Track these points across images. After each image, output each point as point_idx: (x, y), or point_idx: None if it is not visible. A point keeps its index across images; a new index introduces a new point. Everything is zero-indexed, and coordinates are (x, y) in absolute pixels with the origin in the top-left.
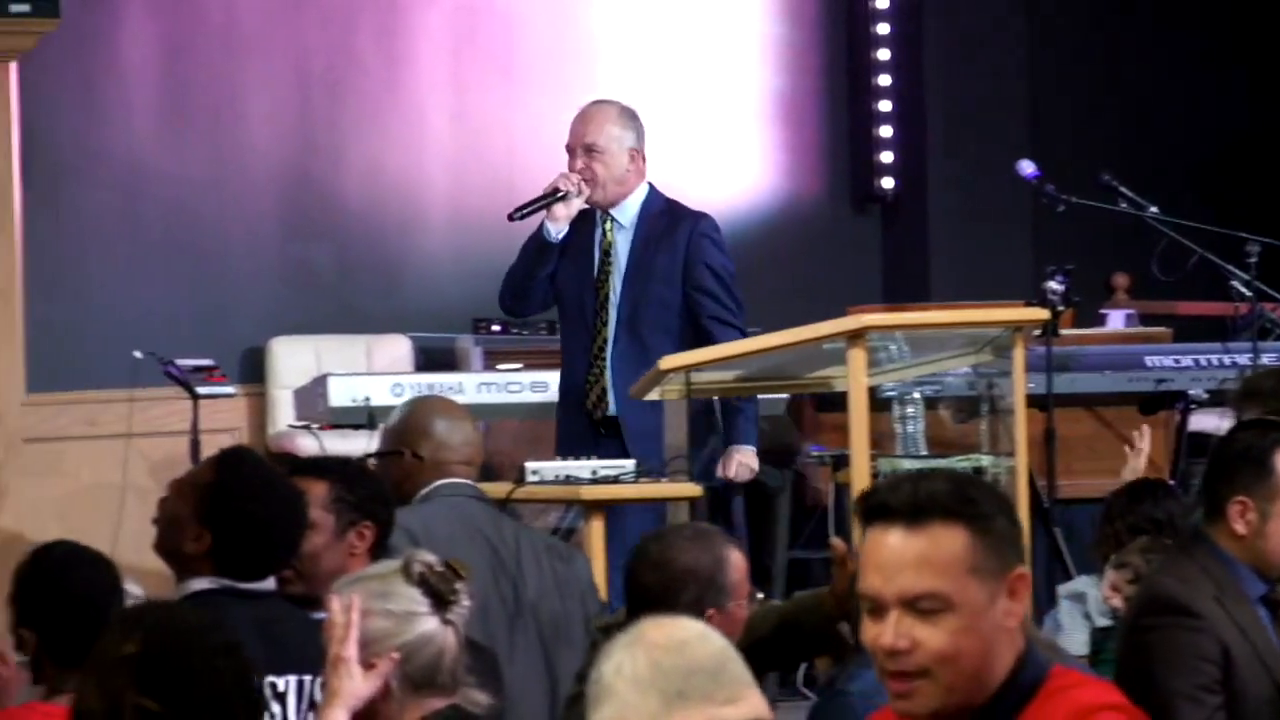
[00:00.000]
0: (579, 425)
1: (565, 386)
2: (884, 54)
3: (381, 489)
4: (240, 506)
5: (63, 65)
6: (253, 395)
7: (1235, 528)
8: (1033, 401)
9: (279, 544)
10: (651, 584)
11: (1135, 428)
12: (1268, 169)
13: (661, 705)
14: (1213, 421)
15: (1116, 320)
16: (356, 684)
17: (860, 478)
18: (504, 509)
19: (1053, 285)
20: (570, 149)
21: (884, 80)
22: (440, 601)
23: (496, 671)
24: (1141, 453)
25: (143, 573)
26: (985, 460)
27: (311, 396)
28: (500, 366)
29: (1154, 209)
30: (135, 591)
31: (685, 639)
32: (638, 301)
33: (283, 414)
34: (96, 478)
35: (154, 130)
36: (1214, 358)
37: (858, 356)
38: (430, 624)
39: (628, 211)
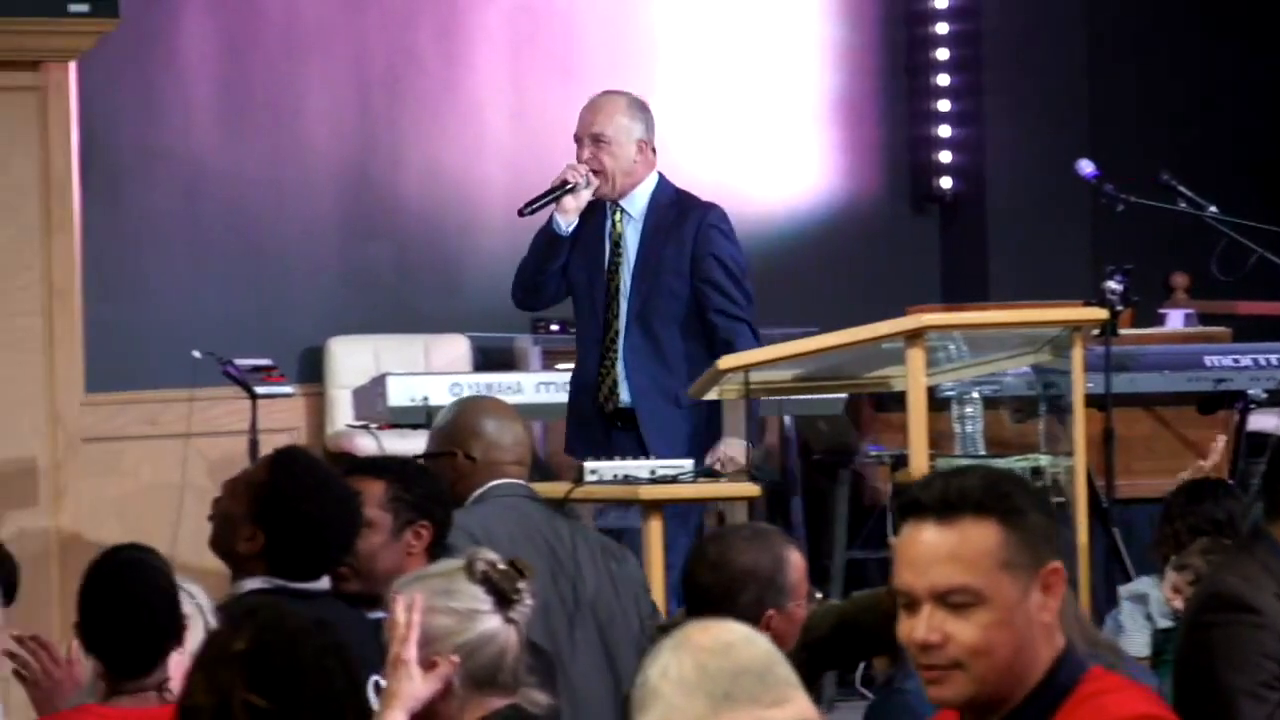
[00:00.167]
0: (590, 417)
1: (577, 378)
2: (943, 54)
3: (439, 489)
4: (293, 506)
5: (122, 65)
6: (311, 395)
7: None
8: (1091, 401)
9: (332, 544)
10: (711, 585)
11: (1196, 429)
12: None
13: (708, 707)
14: (1272, 421)
15: (1175, 320)
16: (416, 685)
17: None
18: (560, 509)
19: (1112, 285)
20: (578, 139)
21: (943, 80)
22: (503, 600)
23: (553, 672)
24: (1207, 466)
25: (202, 572)
26: (1044, 460)
27: (370, 396)
28: (559, 366)
29: (1213, 208)
30: (194, 591)
31: (731, 641)
32: (648, 293)
33: (341, 414)
34: (156, 477)
35: (213, 130)
36: (1273, 357)
37: (916, 356)
38: (493, 622)
39: (637, 203)
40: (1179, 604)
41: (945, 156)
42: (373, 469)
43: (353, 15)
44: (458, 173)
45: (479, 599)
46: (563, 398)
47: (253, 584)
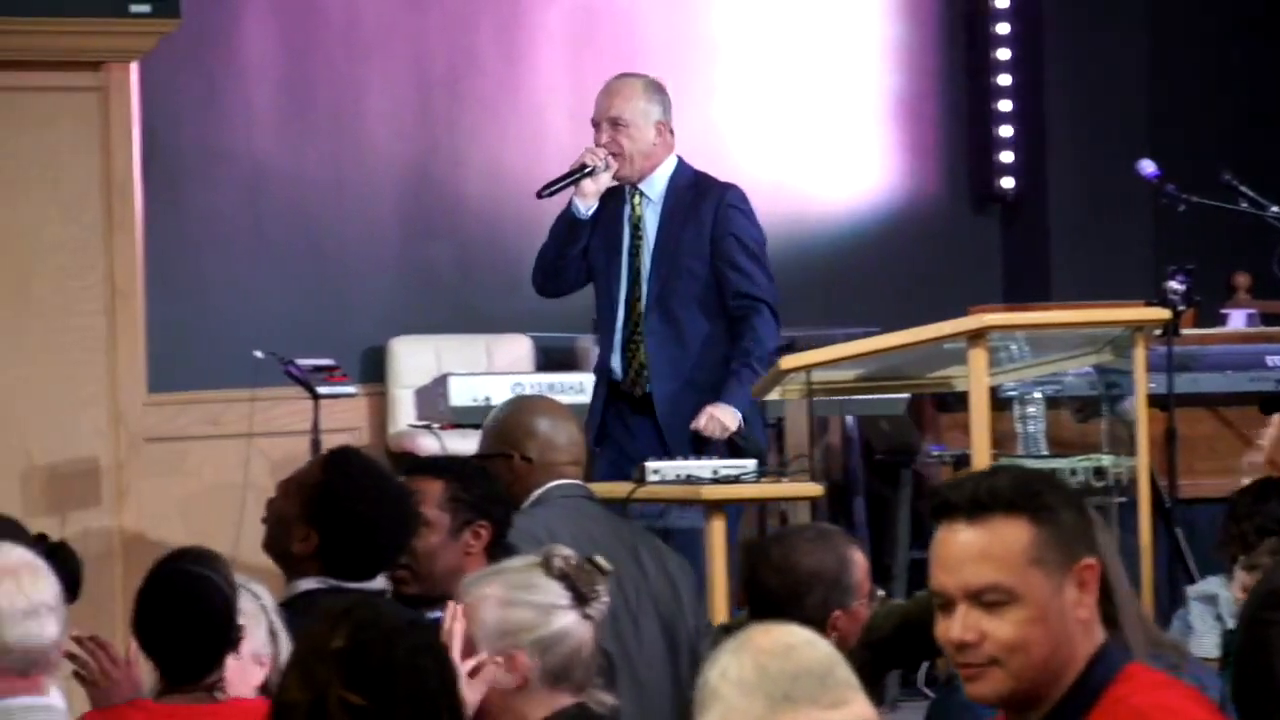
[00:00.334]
0: (611, 401)
1: (600, 363)
2: (1004, 53)
3: (499, 489)
4: (347, 507)
5: (183, 66)
6: (373, 395)
7: None
8: (1154, 401)
9: (386, 544)
10: (776, 587)
11: (1258, 428)
12: None
13: (767, 708)
14: None
15: (1237, 320)
16: (464, 691)
17: None
18: (620, 510)
19: (1173, 285)
20: (595, 123)
21: (1004, 80)
22: (580, 597)
23: (614, 673)
24: (1261, 459)
25: (265, 572)
26: (1106, 460)
27: (432, 396)
28: None
29: (1275, 208)
30: (259, 591)
31: (792, 643)
32: (668, 276)
33: (403, 414)
34: (218, 477)
35: (275, 130)
36: None
37: (979, 356)
38: (570, 618)
39: (656, 185)
40: None
41: (1006, 156)
42: (432, 469)
43: (413, 15)
44: (518, 172)
45: (557, 594)
46: None
47: (307, 584)
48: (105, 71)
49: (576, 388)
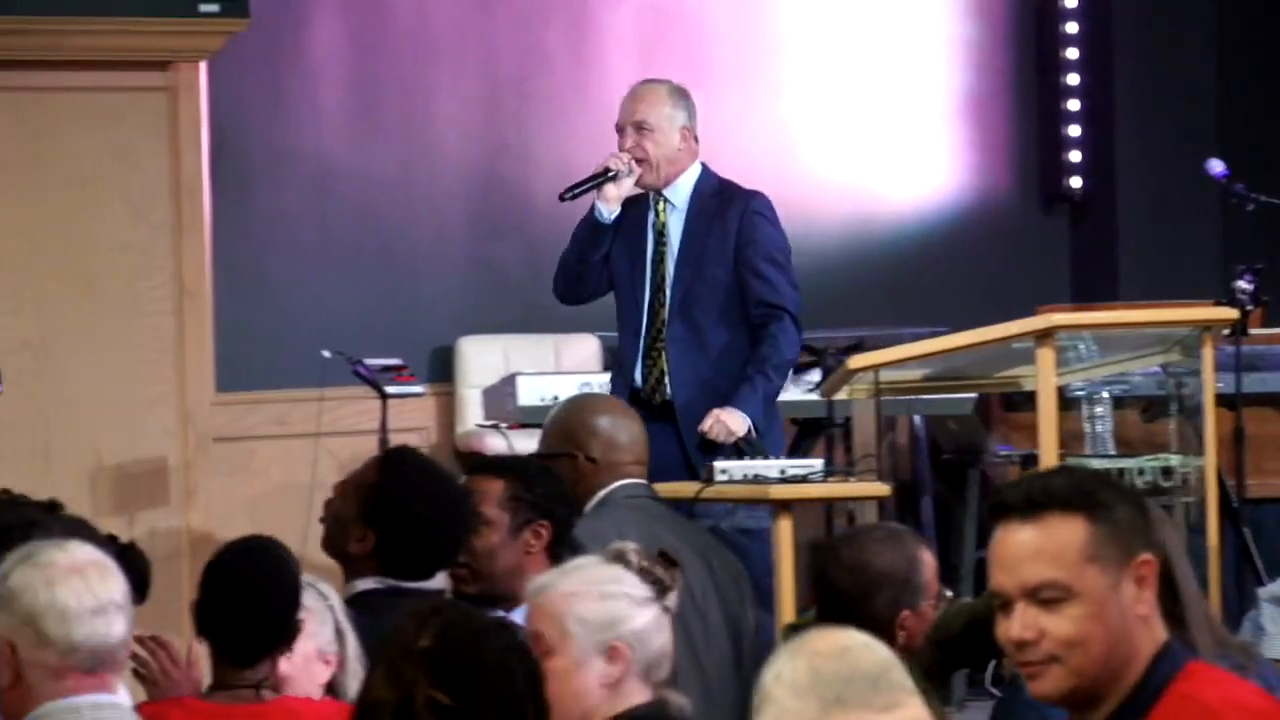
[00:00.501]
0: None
1: (618, 370)
2: (1073, 53)
3: (562, 488)
4: (403, 506)
5: (252, 65)
6: (441, 395)
7: None
8: (1221, 401)
9: (443, 543)
10: (847, 587)
11: None
12: None
13: (820, 711)
14: None
15: None
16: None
17: None
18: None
19: (1242, 284)
20: (620, 128)
21: (1073, 79)
22: (660, 590)
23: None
24: None
25: (332, 572)
26: (1174, 460)
27: (500, 396)
28: None
29: None
30: (326, 591)
31: (848, 646)
32: (692, 283)
33: (471, 413)
34: (286, 477)
35: (343, 130)
36: None
37: (1046, 356)
38: (655, 611)
39: (680, 192)
40: None
41: (1075, 155)
42: (493, 468)
43: (482, 15)
44: (587, 171)
45: (642, 587)
46: None
47: (365, 584)
48: (174, 71)
49: None
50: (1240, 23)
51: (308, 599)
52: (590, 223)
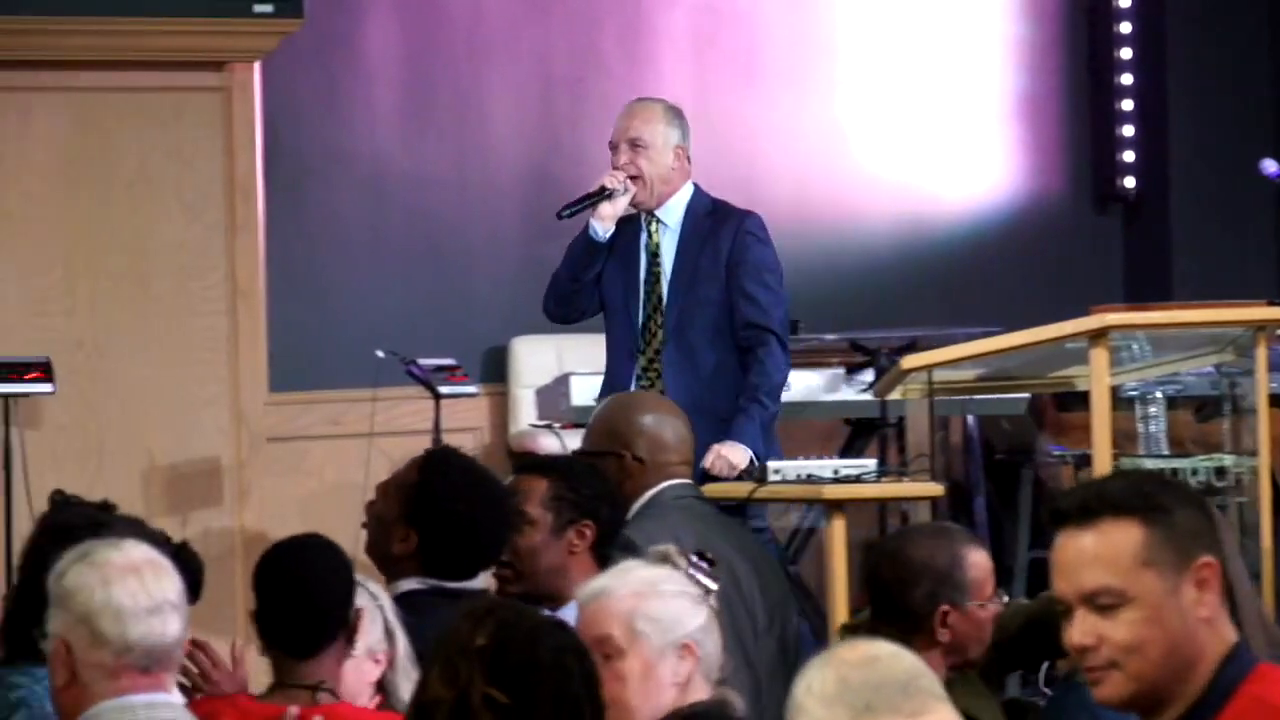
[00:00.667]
0: None
1: (609, 392)
2: (1126, 53)
3: (607, 488)
4: (444, 506)
5: (306, 66)
6: (494, 395)
7: None
8: (1275, 401)
9: (485, 543)
10: (889, 578)
11: None
12: None
13: (850, 719)
14: None
15: None
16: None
17: None
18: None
19: None
20: (614, 145)
21: (1126, 79)
22: (706, 590)
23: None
24: None
25: None
26: (1227, 460)
27: (553, 396)
28: None
29: None
30: (376, 591)
31: (876, 655)
32: (685, 304)
33: (524, 413)
34: (339, 477)
35: (397, 131)
36: None
37: (1100, 356)
38: (709, 610)
39: (673, 213)
40: None
41: (1129, 155)
42: (538, 467)
43: (536, 16)
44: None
45: (693, 587)
46: None
47: (408, 585)
48: (228, 72)
49: None
50: None
51: (358, 598)
52: (585, 241)
